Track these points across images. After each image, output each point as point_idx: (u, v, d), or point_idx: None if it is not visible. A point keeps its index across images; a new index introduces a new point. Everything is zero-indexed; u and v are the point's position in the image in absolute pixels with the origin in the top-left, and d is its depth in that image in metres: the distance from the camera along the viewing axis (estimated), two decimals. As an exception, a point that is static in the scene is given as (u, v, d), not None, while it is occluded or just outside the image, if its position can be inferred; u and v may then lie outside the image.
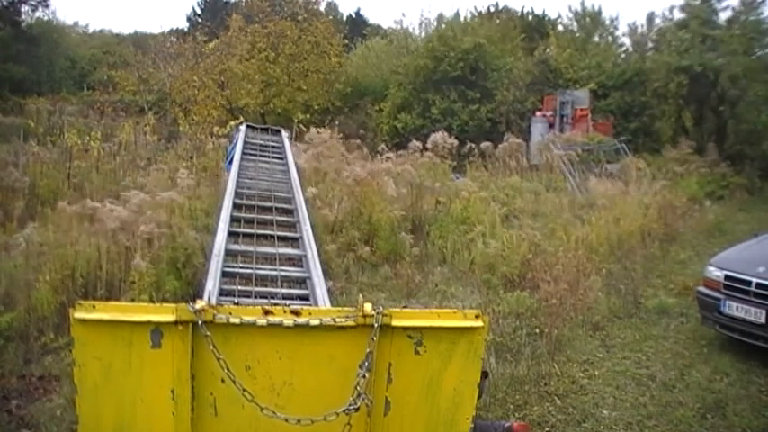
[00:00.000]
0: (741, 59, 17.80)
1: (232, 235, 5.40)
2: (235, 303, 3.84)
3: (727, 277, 5.53)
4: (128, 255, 5.97)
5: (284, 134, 10.09)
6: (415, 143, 11.78)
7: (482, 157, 13.91)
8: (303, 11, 24.42)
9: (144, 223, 6.12)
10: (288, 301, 4.31)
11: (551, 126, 18.12)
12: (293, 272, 5.02)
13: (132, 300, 5.33)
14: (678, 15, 20.51)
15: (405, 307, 5.64)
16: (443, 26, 25.76)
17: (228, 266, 4.76)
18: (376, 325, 2.25)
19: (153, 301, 4.89)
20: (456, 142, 12.34)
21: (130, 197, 6.90)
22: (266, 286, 4.70)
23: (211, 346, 2.17)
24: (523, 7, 39.56)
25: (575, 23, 26.34)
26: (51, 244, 6.05)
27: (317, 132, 11.72)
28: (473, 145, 13.87)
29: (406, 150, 11.87)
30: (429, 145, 11.76)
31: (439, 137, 12.05)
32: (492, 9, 29.40)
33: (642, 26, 23.14)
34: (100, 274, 5.79)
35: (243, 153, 8.30)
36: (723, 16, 19.37)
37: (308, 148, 10.74)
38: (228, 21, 24.21)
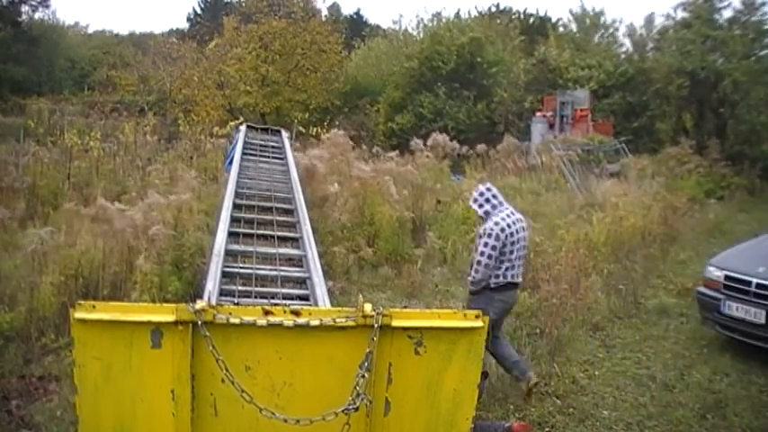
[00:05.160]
0: (743, 64, 17.76)
1: (232, 235, 5.40)
2: (235, 304, 3.83)
3: (727, 277, 5.52)
4: (130, 255, 5.95)
5: (284, 134, 10.08)
6: (413, 143, 11.74)
7: (481, 158, 13.91)
8: (300, 10, 24.42)
9: (151, 223, 6.09)
10: (288, 302, 4.31)
11: (551, 126, 18.13)
12: (293, 272, 5.02)
13: (135, 300, 5.32)
14: (680, 15, 20.52)
15: (405, 307, 5.64)
16: (437, 26, 25.71)
17: (228, 267, 4.76)
18: (376, 325, 2.25)
19: (155, 302, 4.88)
20: (452, 141, 12.37)
21: (146, 197, 6.88)
22: (266, 286, 4.70)
23: (211, 347, 2.17)
24: (525, 9, 39.65)
25: (574, 25, 26.34)
26: (54, 244, 6.02)
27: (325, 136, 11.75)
28: (471, 146, 13.88)
29: (400, 152, 11.80)
30: (429, 143, 11.74)
31: (440, 138, 12.08)
32: (493, 9, 29.45)
33: (641, 27, 23.20)
34: (103, 274, 5.78)
35: (243, 153, 8.30)
36: (725, 15, 19.36)
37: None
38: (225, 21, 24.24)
